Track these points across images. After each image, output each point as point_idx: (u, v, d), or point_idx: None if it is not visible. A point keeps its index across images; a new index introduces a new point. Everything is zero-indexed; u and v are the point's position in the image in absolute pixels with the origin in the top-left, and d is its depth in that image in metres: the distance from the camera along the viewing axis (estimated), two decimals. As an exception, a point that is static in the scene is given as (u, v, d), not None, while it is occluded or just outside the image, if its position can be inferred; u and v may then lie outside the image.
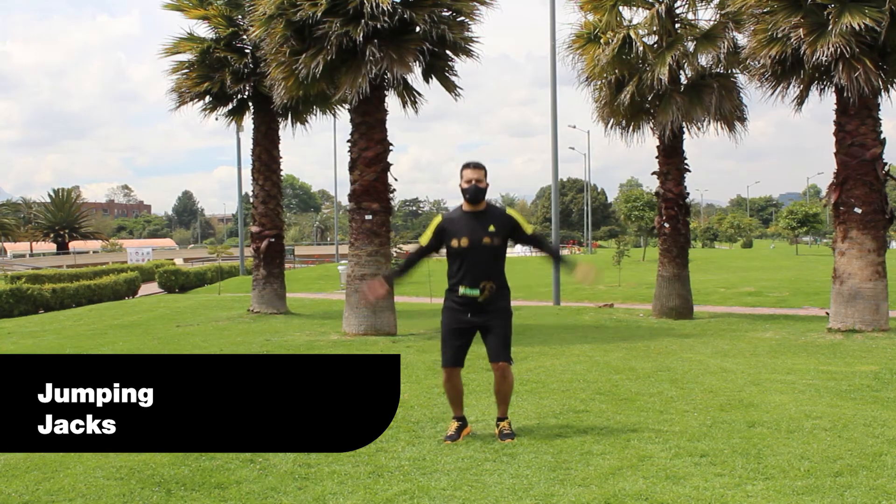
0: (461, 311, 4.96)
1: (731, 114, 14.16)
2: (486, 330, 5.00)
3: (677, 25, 14.09)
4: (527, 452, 4.57)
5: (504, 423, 5.11)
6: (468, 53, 12.12)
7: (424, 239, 5.12)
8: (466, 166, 5.00)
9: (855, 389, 6.53)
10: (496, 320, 4.97)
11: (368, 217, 12.01)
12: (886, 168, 11.30)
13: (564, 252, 5.53)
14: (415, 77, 12.42)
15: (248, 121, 16.89)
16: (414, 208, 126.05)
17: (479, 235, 4.89)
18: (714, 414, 5.53)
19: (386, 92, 12.42)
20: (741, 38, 13.24)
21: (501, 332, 4.99)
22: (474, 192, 4.94)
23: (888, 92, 11.23)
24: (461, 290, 4.92)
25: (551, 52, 18.79)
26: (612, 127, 15.06)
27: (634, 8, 14.39)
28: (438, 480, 4.10)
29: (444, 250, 5.10)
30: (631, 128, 15.04)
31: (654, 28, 13.72)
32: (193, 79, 15.76)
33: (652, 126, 14.66)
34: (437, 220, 5.09)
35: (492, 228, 4.92)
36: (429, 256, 5.26)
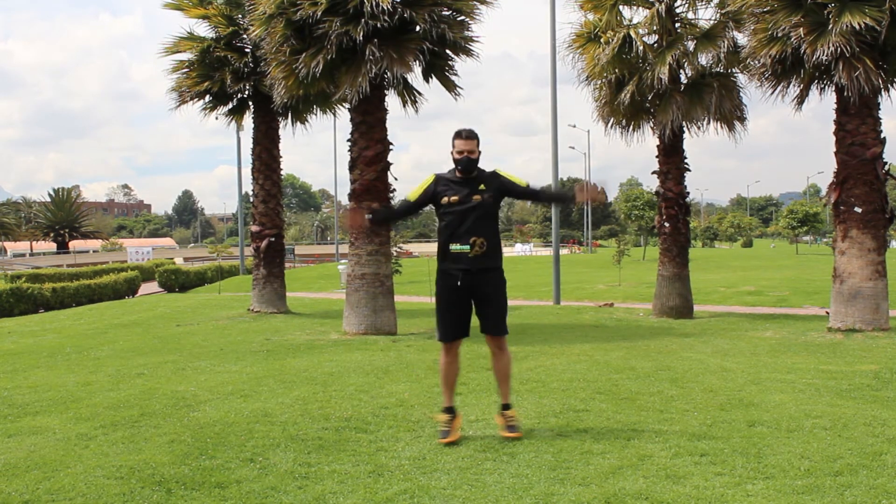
0: (454, 275, 4.85)
1: (731, 113, 14.18)
2: (483, 299, 4.91)
3: (677, 25, 14.10)
4: (527, 452, 4.57)
5: (510, 413, 4.98)
6: (468, 53, 12.12)
7: (413, 195, 5.08)
8: (458, 136, 4.93)
9: (855, 389, 6.53)
10: (492, 287, 4.90)
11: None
12: (887, 167, 11.30)
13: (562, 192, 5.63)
14: (415, 76, 12.43)
15: (248, 120, 16.92)
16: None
17: (469, 194, 4.88)
18: (714, 413, 5.53)
19: (386, 91, 12.42)
20: (741, 38, 13.26)
21: (500, 302, 4.94)
22: (466, 164, 4.91)
23: (888, 91, 11.24)
24: (451, 247, 4.86)
25: (551, 52, 18.82)
26: (612, 126, 15.09)
27: (634, 7, 14.41)
28: (438, 480, 4.10)
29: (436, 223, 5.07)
30: (631, 127, 15.06)
31: (655, 27, 13.74)
32: (194, 78, 15.77)
33: (652, 125, 14.68)
34: (430, 178, 5.05)
35: (482, 187, 4.90)
36: (414, 214, 5.26)
